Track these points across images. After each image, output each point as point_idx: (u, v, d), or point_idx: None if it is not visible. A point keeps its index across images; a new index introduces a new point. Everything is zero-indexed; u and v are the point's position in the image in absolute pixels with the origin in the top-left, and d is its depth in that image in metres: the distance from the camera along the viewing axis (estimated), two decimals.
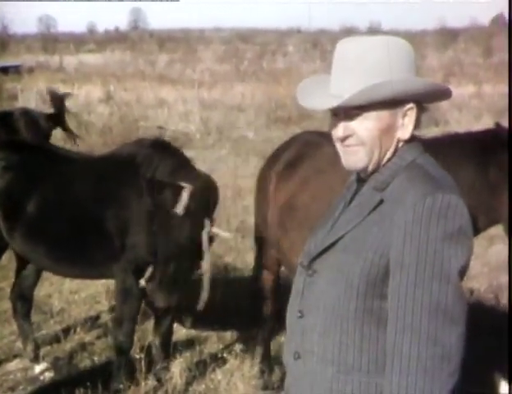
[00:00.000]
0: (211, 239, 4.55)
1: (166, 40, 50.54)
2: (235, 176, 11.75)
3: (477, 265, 7.03)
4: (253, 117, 19.57)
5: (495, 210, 3.68)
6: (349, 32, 55.16)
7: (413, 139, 2.02)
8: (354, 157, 2.01)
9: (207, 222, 4.44)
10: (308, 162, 4.50)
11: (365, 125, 1.96)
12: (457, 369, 1.82)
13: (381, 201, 1.96)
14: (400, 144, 2.01)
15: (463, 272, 1.86)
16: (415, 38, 41.63)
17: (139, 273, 4.63)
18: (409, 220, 1.85)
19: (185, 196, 4.30)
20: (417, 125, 2.00)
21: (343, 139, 2.01)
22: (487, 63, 30.11)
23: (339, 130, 2.01)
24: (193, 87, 23.90)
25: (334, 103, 1.95)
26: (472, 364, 4.58)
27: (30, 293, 5.59)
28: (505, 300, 5.96)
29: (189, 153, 15.16)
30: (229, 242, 8.32)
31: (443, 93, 2.06)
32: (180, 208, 4.30)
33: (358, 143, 1.98)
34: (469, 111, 19.68)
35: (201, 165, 13.64)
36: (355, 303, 1.94)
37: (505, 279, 5.76)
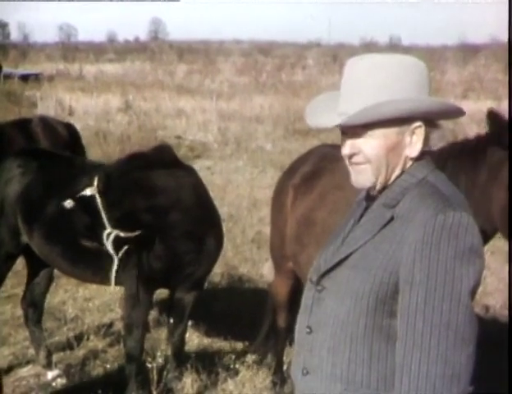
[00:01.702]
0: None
1: (186, 51, 50.74)
2: (251, 186, 11.76)
3: (494, 281, 6.97)
4: (271, 129, 19.56)
5: (491, 214, 3.60)
6: (369, 46, 55.25)
7: (423, 155, 2.00)
8: (361, 175, 2.02)
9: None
10: (325, 177, 4.48)
11: (371, 144, 1.96)
12: (466, 389, 1.80)
13: (392, 218, 1.95)
14: (409, 162, 2.00)
15: (474, 291, 1.84)
16: (435, 54, 41.63)
17: (149, 280, 4.65)
18: (419, 238, 1.84)
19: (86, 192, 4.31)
20: (426, 142, 1.99)
21: (350, 157, 2.02)
22: (507, 79, 29.92)
23: (346, 148, 2.02)
24: (211, 98, 23.97)
25: (336, 122, 1.96)
26: (487, 380, 4.55)
27: (42, 300, 5.60)
28: None
29: (206, 163, 15.30)
30: (244, 253, 8.35)
31: (454, 112, 2.04)
32: (68, 203, 4.29)
33: (365, 161, 1.99)
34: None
35: (218, 175, 13.81)
36: (365, 320, 1.93)
37: None
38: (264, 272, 7.35)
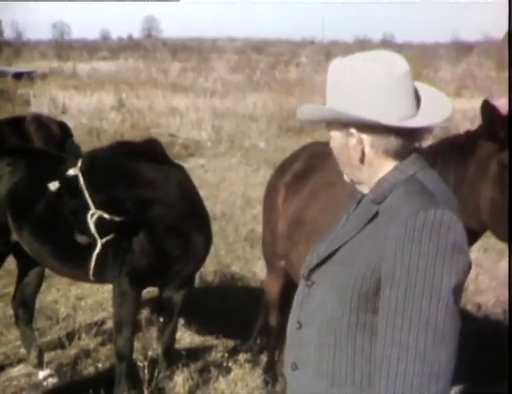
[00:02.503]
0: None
1: (180, 49, 50.62)
2: (245, 184, 11.75)
3: (486, 279, 6.97)
4: (264, 127, 19.52)
5: (478, 209, 3.57)
6: (363, 44, 55.17)
7: (413, 152, 2.01)
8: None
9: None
10: (316, 175, 4.47)
11: (332, 143, 2.09)
12: (446, 388, 1.79)
13: (377, 214, 1.96)
14: (373, 164, 2.02)
15: (458, 289, 1.83)
16: (428, 51, 41.66)
17: (136, 277, 4.64)
18: (401, 234, 1.83)
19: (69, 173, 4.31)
20: (379, 148, 1.99)
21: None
22: (500, 77, 29.98)
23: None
24: (205, 96, 23.92)
25: (299, 115, 2.09)
26: (479, 377, 4.56)
27: (32, 300, 5.58)
28: None
29: (199, 161, 15.27)
30: (237, 251, 8.34)
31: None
32: (53, 185, 4.31)
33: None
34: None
35: (211, 173, 13.78)
36: (348, 317, 1.93)
37: None
38: (257, 270, 7.36)
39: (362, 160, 2.01)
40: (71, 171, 4.30)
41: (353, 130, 1.98)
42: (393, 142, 1.97)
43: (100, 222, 4.30)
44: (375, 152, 1.99)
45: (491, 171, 3.45)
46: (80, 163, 4.31)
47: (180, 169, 4.85)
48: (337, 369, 1.95)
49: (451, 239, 1.81)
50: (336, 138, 2.04)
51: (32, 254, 5.05)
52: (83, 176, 4.28)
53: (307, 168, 4.62)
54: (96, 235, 4.33)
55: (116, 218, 4.34)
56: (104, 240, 4.39)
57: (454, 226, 1.83)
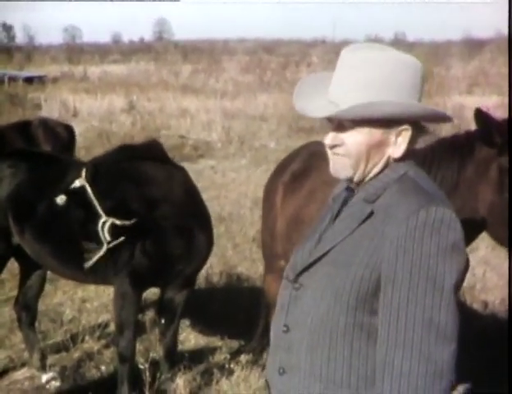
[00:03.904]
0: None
1: (191, 51, 50.68)
2: (254, 185, 11.73)
3: (494, 277, 6.91)
4: (275, 127, 19.53)
5: (476, 210, 3.56)
6: (374, 43, 54.93)
7: (406, 155, 1.98)
8: (339, 166, 2.00)
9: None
10: (314, 174, 4.44)
11: (355, 138, 1.94)
12: (448, 387, 1.78)
13: (372, 213, 1.92)
14: (392, 161, 1.98)
15: (457, 288, 1.81)
16: (440, 49, 41.49)
17: (137, 278, 4.63)
18: (401, 234, 1.81)
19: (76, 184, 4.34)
20: (411, 145, 1.97)
21: (332, 147, 1.99)
22: (507, 74, 29.78)
23: (329, 138, 2.00)
24: (216, 97, 23.95)
25: (326, 113, 1.94)
26: (484, 376, 4.50)
27: (35, 303, 5.58)
28: None
29: (209, 162, 15.27)
30: (244, 252, 8.32)
31: (441, 118, 2.02)
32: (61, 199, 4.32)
33: (346, 154, 1.97)
34: None
35: (221, 174, 13.75)
36: (345, 318, 1.90)
37: None
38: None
39: (392, 158, 1.97)
40: (77, 183, 4.35)
41: (406, 126, 1.94)
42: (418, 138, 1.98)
43: (112, 229, 4.31)
44: (406, 149, 1.97)
45: (491, 174, 3.44)
46: (84, 173, 4.34)
47: (182, 170, 4.87)
48: (332, 372, 1.92)
49: (452, 238, 1.80)
50: (369, 134, 1.93)
51: (33, 257, 5.04)
52: (90, 185, 4.30)
53: (305, 167, 4.60)
54: (105, 242, 4.34)
55: (127, 223, 4.35)
56: (112, 244, 4.40)
57: (454, 225, 1.82)
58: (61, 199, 4.34)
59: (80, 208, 4.38)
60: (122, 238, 4.40)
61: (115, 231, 4.36)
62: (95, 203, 4.32)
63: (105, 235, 4.31)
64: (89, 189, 4.33)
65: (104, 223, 4.30)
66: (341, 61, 1.99)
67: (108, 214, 4.32)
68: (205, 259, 4.98)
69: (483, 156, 3.49)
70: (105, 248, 4.40)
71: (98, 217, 4.32)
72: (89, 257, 4.46)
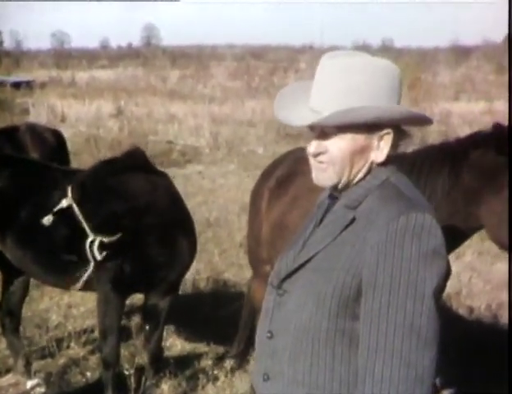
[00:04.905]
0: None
1: (179, 56, 50.67)
2: (242, 190, 11.73)
3: (480, 283, 6.93)
4: (262, 133, 19.53)
5: (473, 215, 3.59)
6: (362, 49, 55.04)
7: (388, 160, 1.98)
8: (323, 174, 2.00)
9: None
10: (299, 180, 4.44)
11: (338, 145, 1.94)
12: (429, 392, 1.78)
13: (354, 219, 1.93)
14: (374, 166, 1.98)
15: (438, 293, 1.82)
16: (427, 55, 41.66)
17: (120, 284, 4.62)
18: (382, 239, 1.81)
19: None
20: (394, 149, 1.97)
21: (315, 155, 1.99)
22: (499, 80, 29.97)
23: (312, 146, 2.00)
24: (204, 102, 23.94)
25: (308, 121, 1.93)
26: (471, 381, 4.52)
27: (18, 309, 5.52)
28: (504, 319, 5.85)
29: (197, 167, 15.24)
30: (231, 258, 8.31)
31: (422, 120, 2.03)
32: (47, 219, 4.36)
33: (330, 161, 1.96)
34: (480, 127, 19.36)
35: (208, 179, 13.74)
36: (327, 323, 1.90)
37: (505, 297, 5.65)
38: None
39: (371, 163, 1.98)
40: (64, 202, 4.37)
41: (388, 130, 1.94)
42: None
43: (99, 247, 4.35)
44: (388, 153, 1.97)
45: (498, 182, 3.46)
46: (69, 192, 4.35)
47: (165, 177, 4.89)
48: (314, 378, 1.92)
49: (432, 243, 1.80)
50: (352, 140, 1.93)
51: (15, 263, 5.01)
52: (76, 204, 4.33)
53: (290, 173, 4.61)
54: (92, 260, 4.38)
55: (113, 238, 4.37)
56: (98, 259, 4.43)
57: (434, 230, 1.82)
58: (47, 220, 4.37)
59: (67, 227, 4.43)
60: (108, 251, 4.42)
61: (104, 248, 4.39)
62: (83, 222, 4.34)
63: (94, 253, 4.34)
64: (76, 208, 4.35)
65: (92, 242, 4.35)
66: (321, 69, 1.99)
67: (95, 231, 4.35)
68: (188, 266, 5.00)
69: (489, 164, 3.51)
70: (92, 265, 4.43)
71: (85, 235, 4.35)
72: (79, 275, 4.51)
